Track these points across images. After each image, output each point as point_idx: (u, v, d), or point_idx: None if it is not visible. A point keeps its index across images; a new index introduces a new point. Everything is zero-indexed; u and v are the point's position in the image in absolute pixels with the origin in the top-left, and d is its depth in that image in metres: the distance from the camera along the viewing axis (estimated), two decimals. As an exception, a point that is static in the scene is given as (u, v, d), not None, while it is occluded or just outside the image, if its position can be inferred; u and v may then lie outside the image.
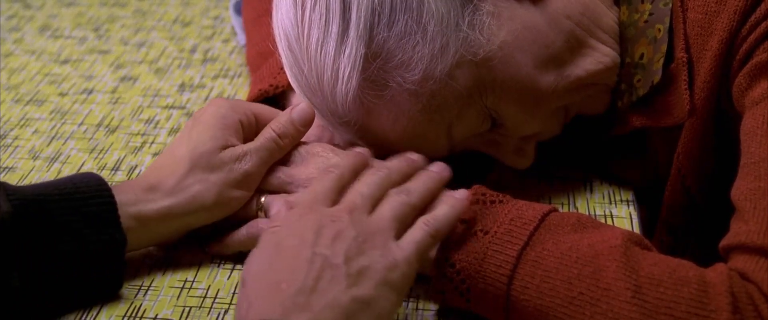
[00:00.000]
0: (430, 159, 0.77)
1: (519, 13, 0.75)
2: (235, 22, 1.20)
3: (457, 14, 0.72)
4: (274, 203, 0.76)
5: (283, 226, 0.67)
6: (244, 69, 1.11)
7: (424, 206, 0.71)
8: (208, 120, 0.78)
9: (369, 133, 0.78)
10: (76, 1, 1.31)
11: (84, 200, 0.72)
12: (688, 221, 0.84)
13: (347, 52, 0.72)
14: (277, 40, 0.78)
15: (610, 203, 0.86)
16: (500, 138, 0.81)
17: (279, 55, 0.80)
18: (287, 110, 0.81)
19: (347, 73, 0.73)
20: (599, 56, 0.78)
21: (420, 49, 0.72)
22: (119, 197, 0.73)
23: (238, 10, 1.21)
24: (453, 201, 0.71)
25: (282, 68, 0.93)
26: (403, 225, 0.69)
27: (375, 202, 0.70)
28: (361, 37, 0.72)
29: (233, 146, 0.77)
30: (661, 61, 0.77)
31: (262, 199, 0.78)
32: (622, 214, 0.84)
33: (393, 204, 0.69)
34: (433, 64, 0.72)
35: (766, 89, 0.68)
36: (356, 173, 0.74)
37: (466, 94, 0.74)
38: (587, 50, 0.78)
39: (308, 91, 0.77)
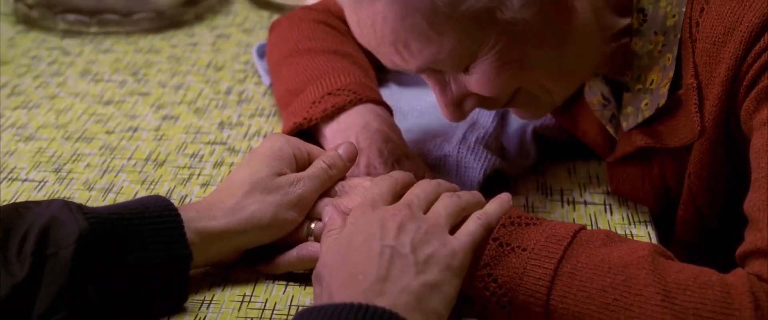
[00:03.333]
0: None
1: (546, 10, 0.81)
2: (258, 65, 1.27)
3: None
4: (326, 211, 0.83)
5: (350, 224, 0.76)
6: (277, 108, 1.18)
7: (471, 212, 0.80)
8: (265, 151, 0.86)
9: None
10: (112, 49, 1.38)
11: (153, 218, 0.79)
12: (699, 239, 0.91)
13: None
14: None
15: (630, 224, 0.93)
16: (454, 85, 0.87)
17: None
18: (334, 147, 0.90)
19: None
20: None
21: None
22: (184, 215, 0.79)
23: (260, 54, 1.29)
24: (501, 200, 0.81)
25: (313, 103, 1.01)
26: (455, 222, 0.78)
27: (429, 205, 0.80)
28: None
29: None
30: (668, 86, 0.84)
31: (312, 225, 0.85)
32: (641, 233, 0.91)
33: (446, 202, 0.80)
34: None
35: None
36: (406, 185, 0.83)
37: (473, 22, 0.79)
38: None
39: None
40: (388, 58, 0.84)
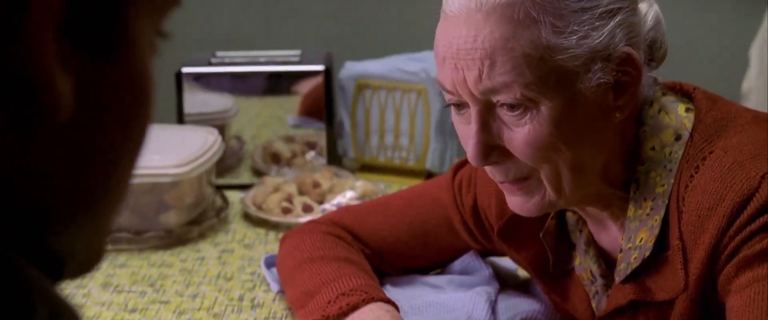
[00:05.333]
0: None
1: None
2: (267, 274, 1.42)
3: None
4: None
5: None
6: (288, 312, 1.32)
7: None
8: None
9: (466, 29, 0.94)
10: (126, 264, 1.53)
11: None
12: None
13: None
14: None
15: None
16: (494, 130, 0.97)
17: None
18: None
19: None
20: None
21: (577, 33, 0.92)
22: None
23: (267, 264, 1.44)
24: None
25: (328, 302, 1.16)
26: None
27: None
28: None
29: None
30: (653, 241, 1.00)
31: None
32: None
33: None
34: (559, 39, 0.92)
35: (751, 277, 0.91)
36: None
37: (557, 73, 0.93)
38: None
39: None
40: (463, 73, 0.94)
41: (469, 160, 0.99)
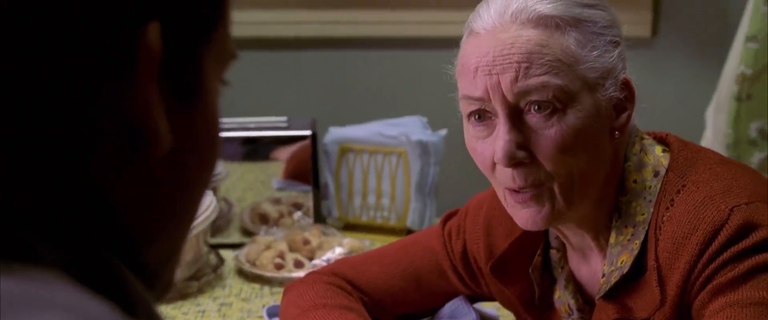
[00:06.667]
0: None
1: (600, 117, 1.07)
2: (269, 323, 1.52)
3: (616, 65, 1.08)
4: None
5: None
6: (290, 357, 1.41)
7: None
8: None
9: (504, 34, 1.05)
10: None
11: None
12: None
13: None
14: None
15: None
16: (524, 131, 1.05)
17: None
18: None
19: None
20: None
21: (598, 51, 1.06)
22: None
23: (270, 314, 1.54)
24: None
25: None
26: None
27: None
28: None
29: None
30: (632, 261, 1.10)
31: None
32: None
33: None
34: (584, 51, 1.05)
35: (724, 302, 1.01)
36: None
37: (583, 81, 1.05)
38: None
39: None
40: (498, 77, 1.04)
41: (498, 160, 1.06)
